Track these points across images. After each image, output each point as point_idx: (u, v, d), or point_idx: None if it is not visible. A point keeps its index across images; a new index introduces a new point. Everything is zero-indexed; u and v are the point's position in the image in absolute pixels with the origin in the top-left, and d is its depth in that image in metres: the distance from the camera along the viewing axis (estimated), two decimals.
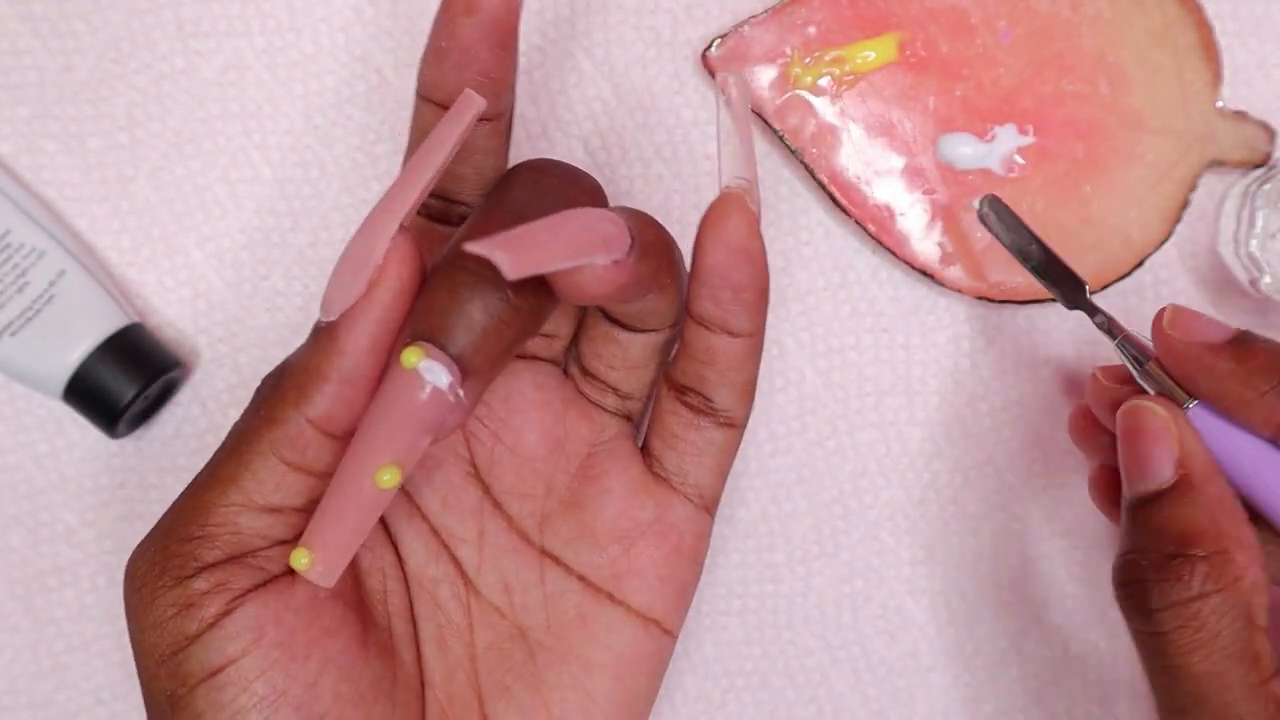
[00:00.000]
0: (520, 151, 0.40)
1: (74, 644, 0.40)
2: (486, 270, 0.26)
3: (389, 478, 0.26)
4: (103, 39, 0.40)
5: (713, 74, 0.39)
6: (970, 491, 0.41)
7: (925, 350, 0.41)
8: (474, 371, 0.26)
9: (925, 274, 0.40)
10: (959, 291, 0.40)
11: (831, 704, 0.41)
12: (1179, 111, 0.39)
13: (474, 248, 0.25)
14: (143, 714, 0.40)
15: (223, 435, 0.40)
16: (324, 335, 0.27)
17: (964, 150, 0.39)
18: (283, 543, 0.29)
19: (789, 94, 0.39)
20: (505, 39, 0.28)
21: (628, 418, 0.33)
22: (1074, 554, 0.41)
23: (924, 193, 0.39)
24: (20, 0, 0.39)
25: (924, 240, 0.40)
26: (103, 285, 0.38)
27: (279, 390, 0.28)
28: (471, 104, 0.28)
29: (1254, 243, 0.38)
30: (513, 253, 0.25)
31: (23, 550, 0.40)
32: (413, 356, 0.26)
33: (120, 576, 0.40)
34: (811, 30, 0.39)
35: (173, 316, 0.40)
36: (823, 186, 0.39)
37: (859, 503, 0.41)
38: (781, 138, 0.39)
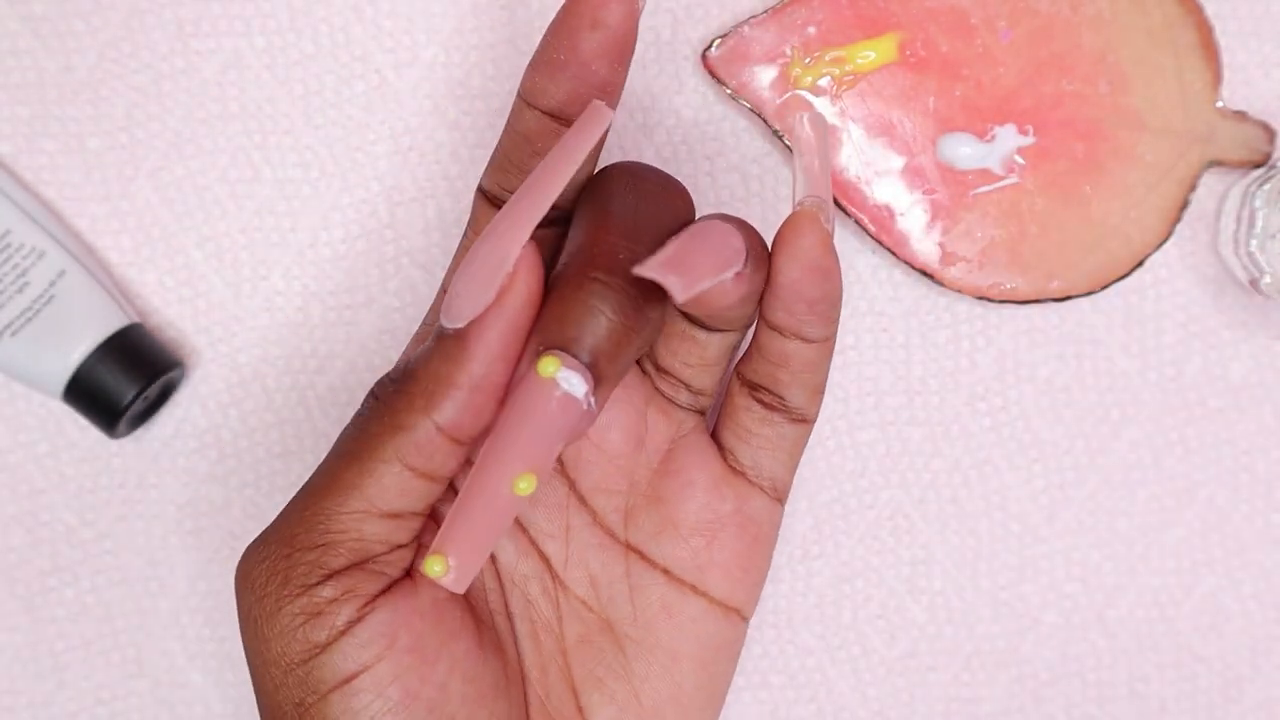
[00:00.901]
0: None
1: (74, 644, 0.40)
2: (616, 281, 0.27)
3: (525, 485, 0.27)
4: (103, 39, 0.40)
5: (713, 74, 0.39)
6: (970, 491, 0.41)
7: (925, 350, 0.41)
8: (604, 379, 0.27)
9: (925, 274, 0.40)
10: (959, 291, 0.40)
11: (831, 704, 0.41)
12: (1179, 111, 0.39)
13: (645, 271, 0.26)
14: (142, 714, 0.40)
15: (222, 435, 0.40)
16: (452, 342, 0.27)
17: (964, 150, 0.39)
18: (401, 547, 0.29)
19: (789, 94, 0.39)
20: (625, 55, 0.29)
21: (700, 412, 0.34)
22: (1074, 554, 0.41)
23: (924, 193, 0.39)
24: (20, 0, 0.39)
25: (924, 240, 0.39)
26: (102, 285, 0.38)
27: (405, 396, 0.28)
28: (603, 117, 0.28)
29: (1254, 243, 0.38)
30: (680, 275, 0.26)
31: (22, 550, 0.40)
32: (550, 365, 0.26)
33: (119, 577, 0.40)
34: (811, 30, 0.39)
35: (173, 316, 0.40)
36: None
37: (859, 503, 0.41)
38: (781, 138, 0.39)
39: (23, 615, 0.40)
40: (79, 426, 0.40)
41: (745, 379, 0.33)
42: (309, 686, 0.28)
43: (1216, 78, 0.39)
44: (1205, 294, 0.41)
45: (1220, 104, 0.39)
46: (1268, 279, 0.38)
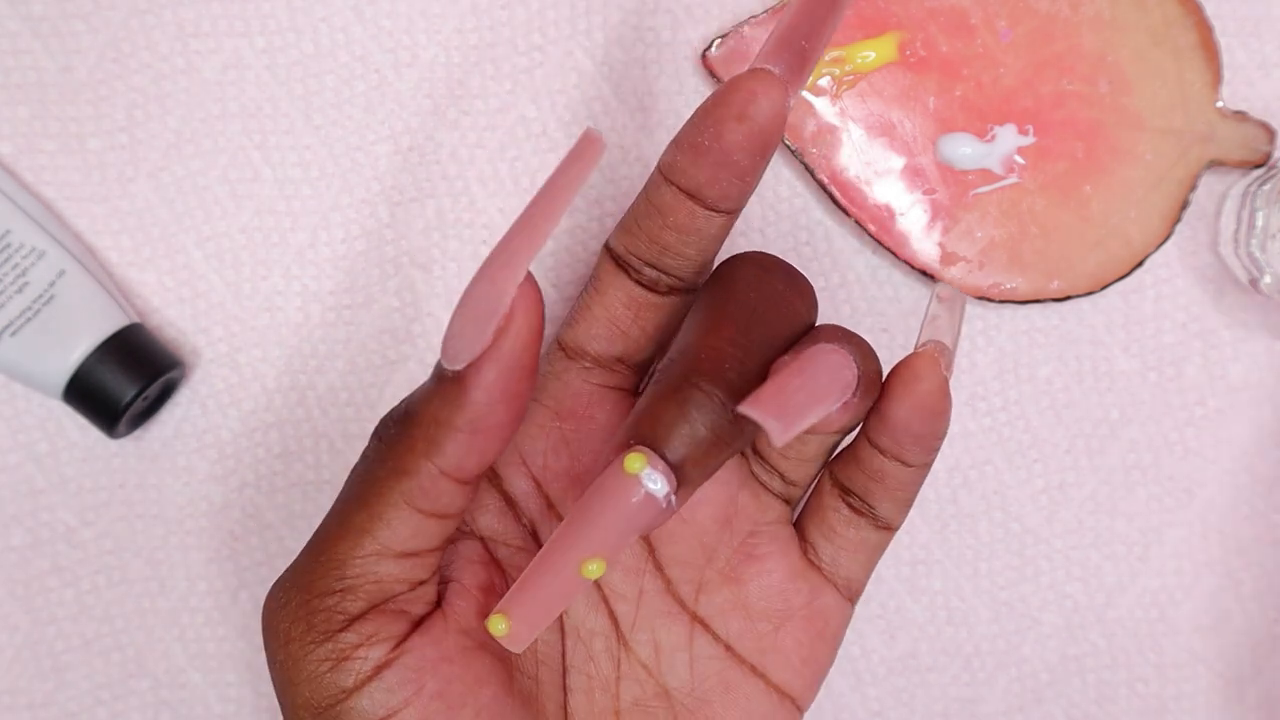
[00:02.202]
0: (522, 149, 0.40)
1: (74, 644, 0.40)
2: (718, 394, 0.27)
3: (594, 569, 0.27)
4: (103, 39, 0.40)
5: (713, 74, 0.39)
6: (970, 491, 0.41)
7: None
8: (688, 482, 0.27)
9: (925, 274, 0.40)
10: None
11: (831, 704, 0.41)
12: (1179, 111, 0.39)
13: (746, 411, 0.26)
14: (142, 714, 0.40)
15: (222, 435, 0.40)
16: (451, 385, 0.27)
17: (964, 150, 0.39)
18: (421, 583, 0.29)
19: None
20: (768, 149, 0.29)
21: (787, 501, 0.34)
22: (1074, 554, 0.41)
23: (924, 193, 0.39)
24: (20, 0, 0.39)
25: (924, 240, 0.39)
26: (102, 285, 0.38)
27: (407, 440, 0.28)
28: (595, 148, 0.27)
29: (1254, 242, 0.38)
30: (781, 418, 0.26)
31: (22, 550, 0.40)
32: (636, 463, 0.27)
33: (119, 577, 0.40)
34: None
35: (172, 316, 0.40)
36: (823, 186, 0.39)
37: None
38: (781, 138, 0.39)
39: (22, 615, 0.40)
40: (79, 426, 0.40)
41: (838, 481, 0.33)
42: None
43: (1217, 78, 0.39)
44: (1205, 294, 0.41)
45: (1220, 104, 0.39)
46: (1268, 279, 0.38)
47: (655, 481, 0.27)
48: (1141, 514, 0.41)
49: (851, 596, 0.34)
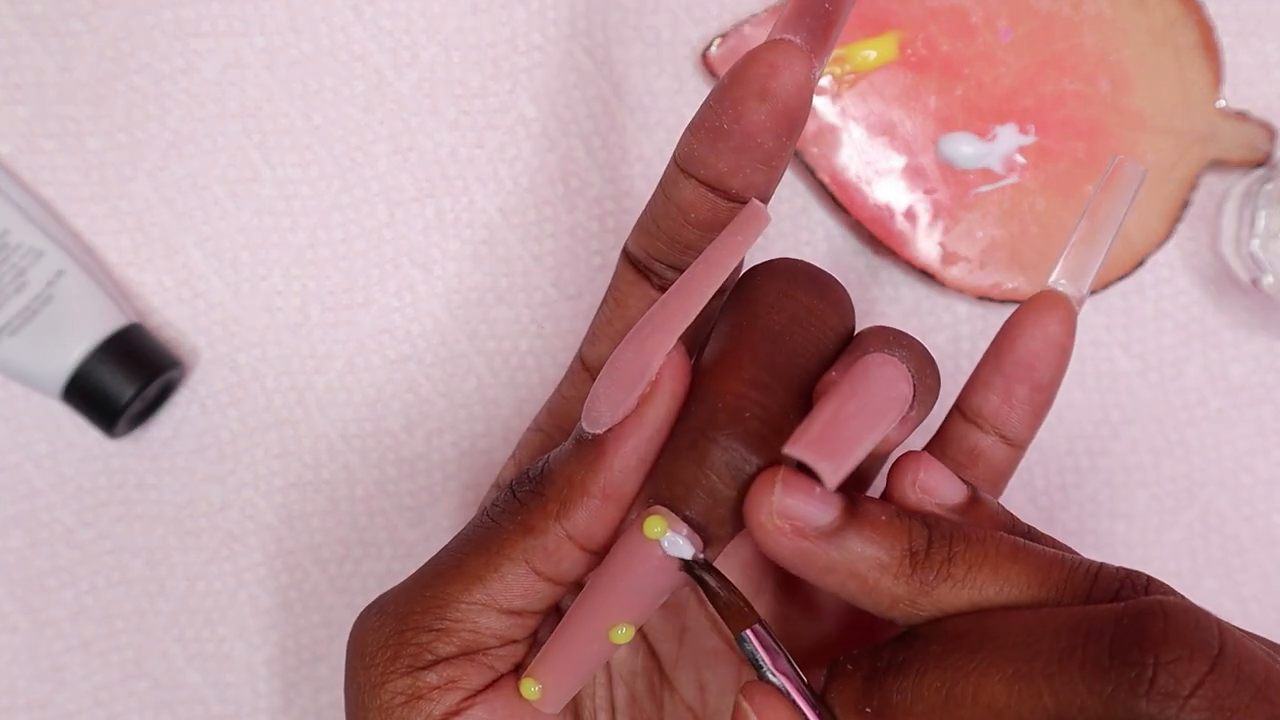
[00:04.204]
0: (522, 149, 0.40)
1: (73, 644, 0.40)
2: (738, 447, 0.25)
3: (623, 633, 0.26)
4: (102, 39, 0.40)
5: (714, 74, 0.39)
6: None
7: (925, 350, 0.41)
8: (715, 541, 0.26)
9: (925, 274, 0.40)
10: (959, 291, 0.40)
11: None
12: (1180, 111, 0.39)
13: (795, 454, 0.24)
14: (141, 714, 0.40)
15: (221, 435, 0.40)
16: (590, 449, 0.26)
17: (965, 150, 0.39)
18: (514, 642, 0.28)
19: None
20: (795, 128, 0.26)
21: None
22: None
23: (925, 192, 0.39)
24: (20, 0, 0.39)
25: (925, 240, 0.39)
26: (101, 285, 0.38)
27: (539, 498, 0.27)
28: (760, 220, 0.26)
29: (1255, 242, 0.38)
30: (835, 458, 0.24)
31: (21, 550, 0.40)
32: (656, 527, 0.25)
33: (118, 577, 0.40)
34: None
35: (171, 316, 0.40)
36: (823, 186, 0.39)
37: None
38: (808, 115, 0.39)
39: (22, 616, 0.40)
40: (78, 426, 0.40)
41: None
42: None
43: (1217, 77, 0.39)
44: (1206, 294, 0.41)
45: (1221, 104, 0.39)
46: (1268, 279, 0.38)
47: (677, 545, 0.25)
48: (1141, 514, 0.41)
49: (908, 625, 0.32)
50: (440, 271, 0.40)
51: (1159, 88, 0.39)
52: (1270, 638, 0.42)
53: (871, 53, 0.39)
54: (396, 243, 0.40)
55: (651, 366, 0.26)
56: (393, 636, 0.28)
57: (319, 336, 0.40)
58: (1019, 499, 0.41)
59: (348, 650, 0.29)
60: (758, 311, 0.27)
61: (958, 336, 0.41)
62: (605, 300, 0.31)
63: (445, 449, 0.40)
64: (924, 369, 0.28)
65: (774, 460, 0.25)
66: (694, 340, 0.29)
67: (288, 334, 0.40)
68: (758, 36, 0.39)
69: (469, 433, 0.40)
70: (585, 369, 0.31)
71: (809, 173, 0.39)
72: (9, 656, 0.40)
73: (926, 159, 0.39)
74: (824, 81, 0.39)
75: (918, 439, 0.30)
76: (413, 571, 0.29)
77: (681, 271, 0.28)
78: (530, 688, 0.27)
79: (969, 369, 0.41)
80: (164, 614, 0.40)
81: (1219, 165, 0.40)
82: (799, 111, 0.26)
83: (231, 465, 0.40)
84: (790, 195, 0.41)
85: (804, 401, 0.26)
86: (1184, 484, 0.41)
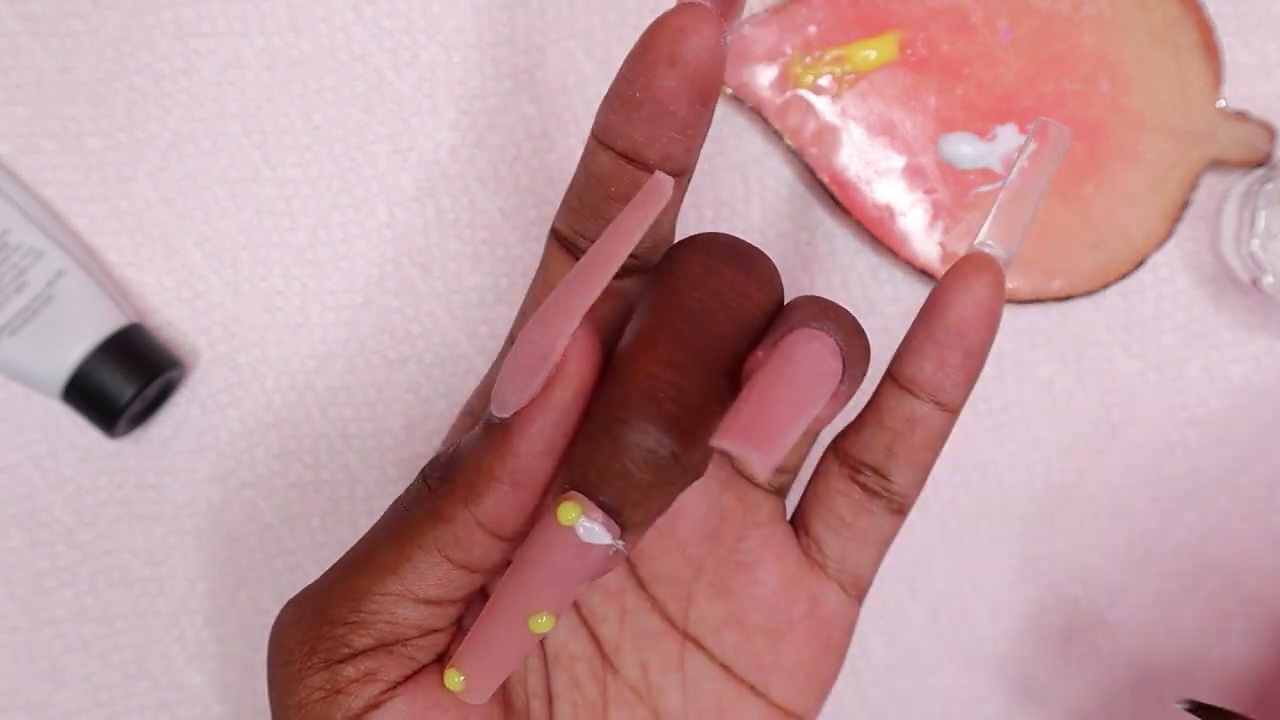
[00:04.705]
0: (522, 149, 0.40)
1: (73, 644, 0.40)
2: (651, 429, 0.24)
3: (542, 624, 0.26)
4: (102, 39, 0.40)
5: None
6: (970, 491, 0.41)
7: None
8: (632, 526, 0.25)
9: (925, 274, 0.40)
10: None
11: (831, 704, 0.41)
12: (1180, 111, 0.39)
13: (722, 445, 0.23)
14: (141, 715, 0.40)
15: (221, 435, 0.40)
16: (497, 433, 0.26)
17: (965, 150, 0.39)
18: (435, 631, 0.28)
19: (789, 93, 0.39)
20: (708, 94, 0.26)
21: (779, 493, 0.32)
22: (1074, 554, 0.41)
23: (925, 192, 0.39)
24: (20, 0, 0.39)
25: (924, 240, 0.39)
26: (101, 285, 0.38)
27: (448, 485, 0.27)
28: (662, 192, 0.25)
29: (1255, 242, 0.38)
30: (765, 445, 0.23)
31: (21, 550, 0.40)
32: (570, 512, 0.24)
33: (118, 577, 0.40)
34: (812, 29, 0.39)
35: (171, 316, 0.40)
36: (823, 186, 0.39)
37: None
38: (782, 137, 0.39)
39: (21, 616, 0.40)
40: (78, 426, 0.40)
41: (850, 458, 0.30)
42: None
43: (1217, 77, 0.39)
44: (1206, 294, 0.41)
45: (1221, 104, 0.39)
46: (1269, 279, 0.38)
47: (593, 532, 0.25)
48: (1142, 514, 0.41)
49: (859, 595, 0.31)
50: (440, 271, 0.40)
51: (1159, 88, 0.39)
52: (1270, 638, 0.42)
53: (871, 53, 0.39)
54: (396, 243, 0.40)
55: (556, 347, 0.25)
56: (309, 631, 0.27)
57: (319, 336, 0.40)
58: (1020, 498, 0.41)
59: (268, 648, 0.28)
60: (677, 289, 0.26)
61: None
62: (535, 279, 0.30)
63: None
64: (852, 340, 0.27)
65: (690, 443, 0.25)
66: (616, 320, 0.29)
67: (288, 334, 0.40)
68: (758, 37, 0.39)
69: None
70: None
71: (809, 173, 0.39)
72: (9, 656, 0.40)
73: (926, 159, 0.39)
74: (824, 81, 0.39)
75: (853, 405, 0.30)
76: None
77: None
78: (454, 678, 0.27)
79: None
80: (164, 614, 0.40)
81: (1219, 165, 0.40)
82: (711, 76, 0.26)
83: (231, 465, 0.40)
84: (790, 195, 0.41)
85: (727, 382, 0.26)
86: (1184, 484, 0.41)
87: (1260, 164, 0.39)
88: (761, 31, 0.39)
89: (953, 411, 0.29)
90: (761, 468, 0.23)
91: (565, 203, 0.29)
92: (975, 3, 0.39)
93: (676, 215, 0.29)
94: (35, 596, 0.40)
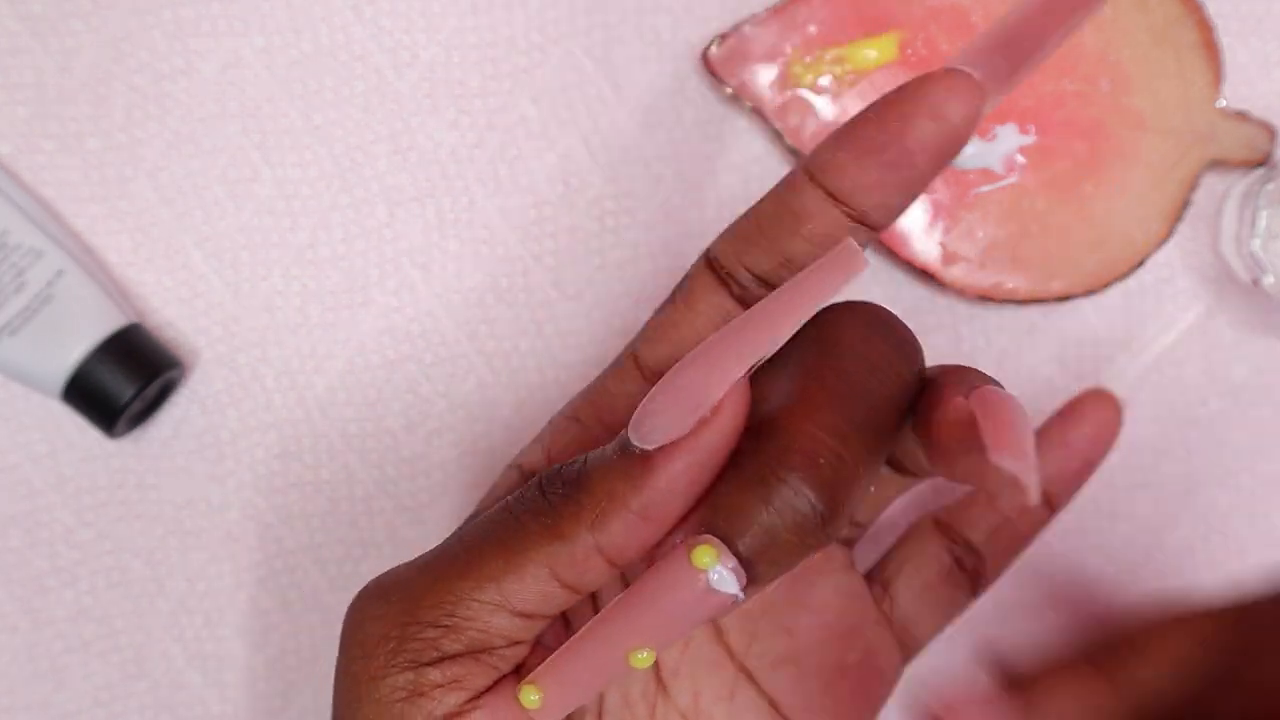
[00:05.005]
0: (522, 149, 0.40)
1: (73, 644, 0.40)
2: (806, 491, 0.24)
3: (644, 659, 0.25)
4: (101, 39, 0.40)
5: (714, 74, 0.39)
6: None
7: (925, 350, 0.41)
8: (759, 581, 0.25)
9: (925, 274, 0.40)
10: (960, 291, 0.40)
11: None
12: (1180, 111, 0.39)
13: (1006, 464, 0.22)
14: (141, 715, 0.40)
15: (221, 435, 0.40)
16: (637, 463, 0.25)
17: (965, 149, 0.39)
18: (519, 643, 0.27)
19: (790, 93, 0.39)
20: (948, 158, 0.26)
21: (847, 544, 0.32)
22: (1074, 555, 0.41)
23: (925, 192, 0.39)
24: (19, 0, 0.39)
25: (924, 240, 0.39)
26: (101, 285, 0.38)
27: (574, 505, 0.26)
28: (856, 263, 0.25)
29: (1255, 242, 0.38)
30: (1030, 468, 0.22)
31: (21, 551, 0.40)
32: (706, 557, 0.24)
33: (117, 578, 0.40)
34: (812, 29, 0.39)
35: (171, 316, 0.40)
36: None
37: None
38: (782, 137, 0.39)
39: (21, 616, 0.40)
40: (78, 426, 0.40)
41: (949, 529, 0.31)
42: None
43: (1218, 77, 0.39)
44: (1206, 294, 0.41)
45: (1222, 103, 0.39)
46: (1269, 279, 0.38)
47: (723, 580, 0.24)
48: (1142, 515, 0.41)
49: (909, 656, 0.32)
50: (440, 271, 0.40)
51: (1159, 88, 0.39)
52: None
53: (872, 53, 0.39)
54: (396, 243, 0.40)
55: (717, 392, 0.24)
56: (396, 628, 0.27)
57: (319, 336, 0.40)
58: None
59: (343, 636, 0.28)
60: (840, 354, 0.26)
61: (958, 337, 0.41)
62: (673, 300, 0.29)
63: (445, 449, 0.40)
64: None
65: (838, 512, 0.25)
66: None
67: (288, 334, 0.40)
68: (758, 36, 0.39)
69: (469, 433, 0.40)
70: (638, 367, 0.30)
71: None
72: (9, 656, 0.40)
73: None
74: (824, 81, 0.39)
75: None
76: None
77: (769, 287, 0.27)
78: (530, 695, 0.26)
79: None
80: (164, 614, 0.40)
81: (1219, 165, 0.40)
82: (960, 142, 0.26)
83: (231, 465, 0.40)
84: None
85: (873, 456, 0.26)
86: (1184, 484, 0.41)
87: (1260, 164, 0.39)
88: (761, 31, 0.39)
89: (1054, 510, 0.31)
90: (1035, 493, 0.22)
91: (736, 230, 0.28)
92: (975, 2, 0.39)
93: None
94: (35, 596, 0.40)
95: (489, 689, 0.27)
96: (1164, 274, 0.41)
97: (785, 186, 0.27)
